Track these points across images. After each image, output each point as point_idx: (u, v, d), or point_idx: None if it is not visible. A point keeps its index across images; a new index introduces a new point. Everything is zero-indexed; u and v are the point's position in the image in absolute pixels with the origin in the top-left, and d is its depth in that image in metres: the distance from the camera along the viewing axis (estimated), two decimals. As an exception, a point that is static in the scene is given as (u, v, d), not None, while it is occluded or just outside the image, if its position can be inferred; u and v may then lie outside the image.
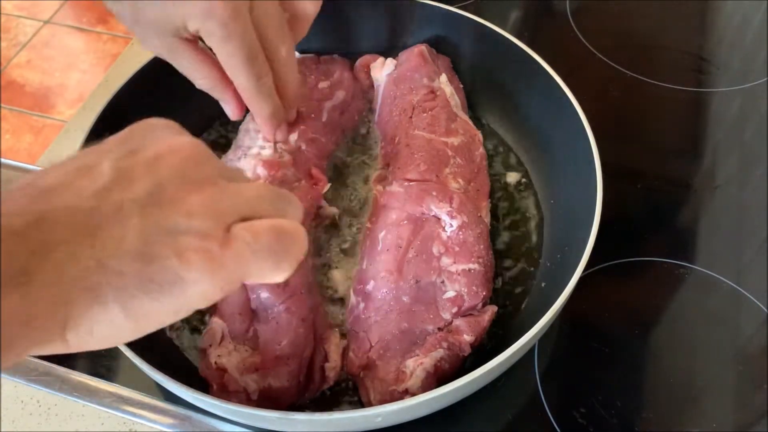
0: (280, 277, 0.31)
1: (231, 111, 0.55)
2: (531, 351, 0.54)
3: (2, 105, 1.89)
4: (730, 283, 0.57)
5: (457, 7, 0.65)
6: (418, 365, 0.48)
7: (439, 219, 0.54)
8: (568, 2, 0.81)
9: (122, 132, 0.32)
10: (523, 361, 0.53)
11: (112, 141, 0.31)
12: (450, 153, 0.58)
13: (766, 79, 0.72)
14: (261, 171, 0.56)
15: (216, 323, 0.51)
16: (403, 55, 0.66)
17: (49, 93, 1.92)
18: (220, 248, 0.29)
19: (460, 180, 0.57)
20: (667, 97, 0.72)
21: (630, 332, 0.56)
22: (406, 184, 0.56)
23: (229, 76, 0.50)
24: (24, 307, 0.25)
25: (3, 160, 0.58)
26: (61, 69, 1.97)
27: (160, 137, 0.31)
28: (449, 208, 0.54)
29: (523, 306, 0.55)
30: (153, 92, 0.63)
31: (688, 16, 0.81)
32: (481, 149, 0.61)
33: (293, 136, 0.61)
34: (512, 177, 0.63)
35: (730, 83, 0.73)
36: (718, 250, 0.60)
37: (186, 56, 0.51)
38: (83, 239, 0.27)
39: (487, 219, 0.58)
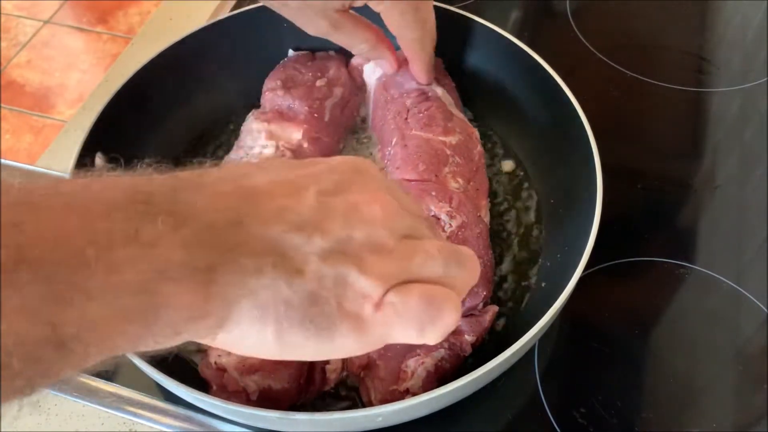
0: (425, 342, 0.31)
1: (391, 65, 0.62)
2: (531, 351, 0.54)
3: (2, 105, 1.89)
4: (730, 283, 0.57)
5: (457, 7, 0.65)
6: (419, 365, 0.48)
7: (438, 219, 0.54)
8: (568, 2, 0.81)
9: (333, 160, 0.33)
10: (523, 361, 0.52)
11: (322, 164, 0.32)
12: (449, 152, 0.58)
13: (766, 79, 0.72)
14: None
15: None
16: None
17: (49, 93, 1.92)
18: (373, 311, 0.30)
19: (459, 179, 0.57)
20: (667, 97, 0.72)
21: (630, 332, 0.56)
22: (405, 184, 0.56)
23: (399, 34, 0.57)
24: (198, 302, 0.26)
25: (3, 161, 0.57)
26: (61, 69, 1.97)
27: (365, 185, 0.32)
28: (449, 208, 0.54)
29: (523, 306, 0.55)
30: (153, 93, 0.63)
31: (688, 16, 0.80)
32: (479, 147, 0.61)
33: (297, 135, 0.61)
34: (511, 175, 0.63)
35: (730, 83, 0.72)
36: (718, 250, 0.60)
37: (348, 26, 0.56)
38: (270, 258, 0.28)
39: (487, 218, 0.58)
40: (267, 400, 0.48)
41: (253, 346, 0.29)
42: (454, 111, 0.62)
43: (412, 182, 0.56)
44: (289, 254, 0.28)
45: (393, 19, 0.55)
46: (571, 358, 0.55)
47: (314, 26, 0.56)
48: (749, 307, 0.56)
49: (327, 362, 0.51)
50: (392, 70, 0.62)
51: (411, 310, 0.30)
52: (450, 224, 0.53)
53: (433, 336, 0.31)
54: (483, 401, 0.51)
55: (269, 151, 0.58)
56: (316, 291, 0.28)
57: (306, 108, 0.63)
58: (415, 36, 0.57)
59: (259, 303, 0.28)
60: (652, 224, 0.62)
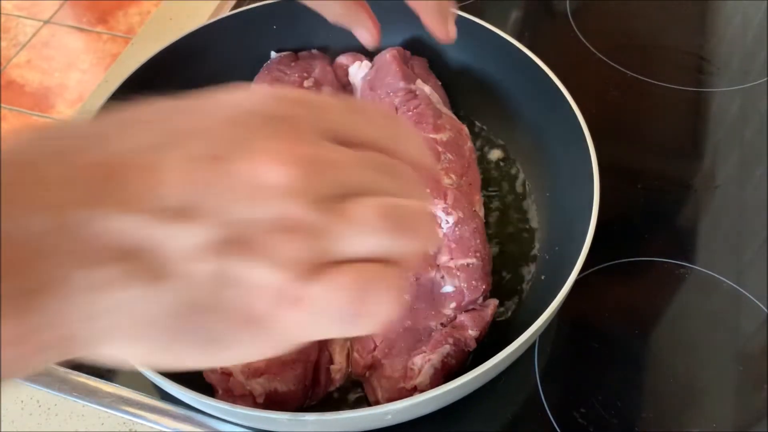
0: (359, 333, 0.25)
1: (367, 36, 0.53)
2: (531, 351, 0.54)
3: (2, 105, 1.89)
4: (730, 283, 0.57)
5: (457, 7, 0.65)
6: (426, 362, 0.48)
7: (434, 216, 0.54)
8: (568, 2, 0.81)
9: (241, 98, 0.24)
10: (523, 361, 0.53)
11: (219, 110, 0.24)
12: (440, 149, 0.58)
13: (766, 79, 0.72)
14: None
15: None
16: (378, 59, 0.66)
17: (49, 93, 1.92)
18: (279, 309, 0.23)
19: (452, 175, 0.57)
20: (667, 97, 0.72)
21: (630, 332, 0.56)
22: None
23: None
24: (21, 335, 0.20)
25: None
26: (61, 69, 1.97)
27: (276, 136, 0.23)
28: (444, 205, 0.54)
29: (523, 298, 0.55)
30: (150, 95, 0.63)
31: (688, 16, 0.80)
32: (469, 143, 0.61)
33: None
34: (506, 170, 0.63)
35: (730, 83, 0.72)
36: (718, 250, 0.60)
37: None
38: (123, 265, 0.21)
39: (481, 212, 0.58)
40: (273, 402, 0.48)
41: (131, 361, 0.24)
42: (443, 108, 0.63)
43: None
44: (150, 255, 0.21)
45: None
46: (571, 358, 0.55)
47: None
48: (749, 307, 0.56)
49: (331, 362, 0.51)
50: (371, 40, 0.53)
51: (332, 303, 0.23)
52: (447, 221, 0.54)
53: (369, 327, 0.24)
54: (483, 401, 0.51)
55: None
56: (191, 297, 0.22)
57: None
58: None
59: (114, 323, 0.21)
60: (652, 224, 0.62)
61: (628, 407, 0.51)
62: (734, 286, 0.57)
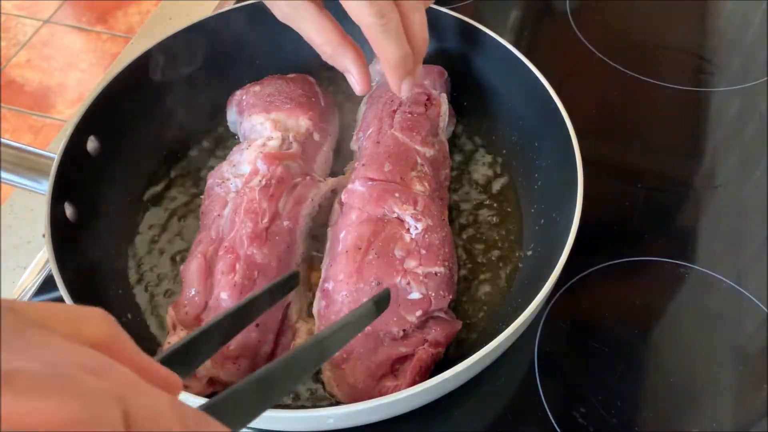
0: None
1: (355, 83, 0.50)
2: (531, 350, 0.54)
3: (2, 105, 1.88)
4: (730, 283, 0.57)
5: (457, 7, 0.65)
6: (393, 385, 0.47)
7: (402, 221, 0.52)
8: (568, 2, 0.81)
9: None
10: (523, 361, 0.53)
11: None
12: (419, 160, 0.56)
13: (766, 79, 0.72)
14: (260, 165, 0.55)
15: (170, 315, 0.51)
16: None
17: (48, 93, 1.92)
18: None
19: (425, 184, 0.55)
20: (667, 97, 0.72)
21: (630, 332, 0.56)
22: (369, 183, 0.54)
23: (354, 17, 0.46)
24: None
25: (3, 140, 0.56)
26: (60, 68, 1.97)
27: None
28: (413, 211, 0.52)
29: (512, 292, 0.55)
30: (148, 83, 0.63)
31: (688, 16, 0.81)
32: (448, 171, 0.60)
33: (305, 122, 0.59)
34: (490, 172, 0.63)
35: (730, 83, 0.72)
36: (718, 250, 0.60)
37: (310, 16, 0.49)
38: None
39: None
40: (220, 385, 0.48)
41: None
42: (441, 133, 0.61)
43: (376, 182, 0.54)
44: None
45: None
46: (571, 358, 0.55)
47: (277, 9, 0.50)
48: (749, 307, 0.56)
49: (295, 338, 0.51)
50: (358, 89, 0.51)
51: None
52: (416, 227, 0.52)
53: None
54: (483, 401, 0.51)
55: (274, 142, 0.57)
56: None
57: (300, 91, 0.61)
58: (371, 22, 0.46)
59: None
60: (652, 224, 0.62)
61: (628, 407, 0.51)
62: (734, 286, 0.57)
